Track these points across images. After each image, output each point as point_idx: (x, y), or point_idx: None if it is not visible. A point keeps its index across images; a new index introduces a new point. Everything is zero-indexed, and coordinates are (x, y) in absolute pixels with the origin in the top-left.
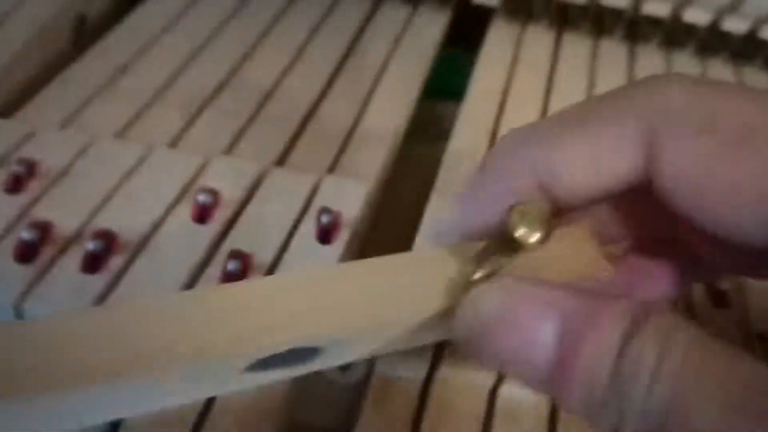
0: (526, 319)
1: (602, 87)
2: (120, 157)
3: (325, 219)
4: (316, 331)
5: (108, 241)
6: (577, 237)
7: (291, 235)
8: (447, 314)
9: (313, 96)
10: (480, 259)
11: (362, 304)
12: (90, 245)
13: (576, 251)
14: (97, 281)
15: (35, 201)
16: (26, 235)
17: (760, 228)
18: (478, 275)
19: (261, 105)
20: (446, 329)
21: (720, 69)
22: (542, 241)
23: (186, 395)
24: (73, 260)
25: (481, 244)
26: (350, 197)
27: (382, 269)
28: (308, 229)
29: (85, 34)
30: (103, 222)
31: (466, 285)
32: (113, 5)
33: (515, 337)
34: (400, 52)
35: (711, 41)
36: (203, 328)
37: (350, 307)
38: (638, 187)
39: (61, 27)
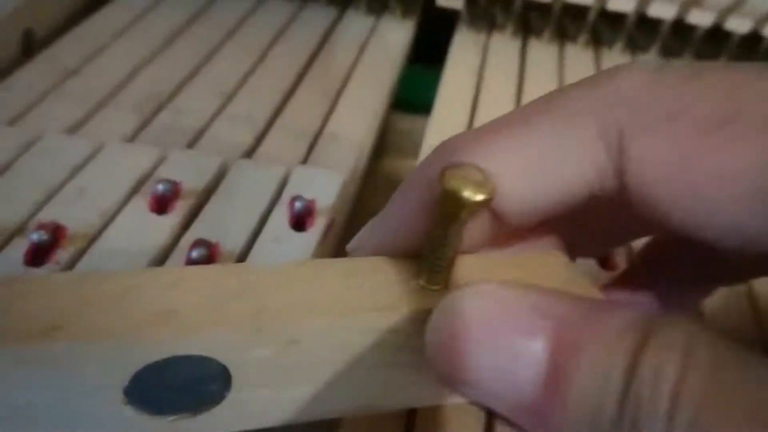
0: (511, 328)
1: None
2: (69, 152)
3: (298, 205)
4: (215, 328)
5: (54, 233)
6: (550, 261)
7: (263, 223)
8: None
9: (278, 98)
10: (426, 262)
11: (288, 304)
12: (34, 236)
13: (551, 276)
14: (42, 274)
15: None
16: None
17: (754, 224)
18: (421, 281)
19: (223, 105)
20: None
21: None
22: (490, 200)
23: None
24: (15, 253)
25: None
26: (325, 186)
27: (316, 270)
28: (280, 216)
29: (32, 49)
30: (50, 215)
31: (412, 291)
32: (62, 20)
33: (496, 351)
34: (366, 60)
35: (674, 42)
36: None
37: (270, 306)
38: (604, 194)
39: (7, 39)
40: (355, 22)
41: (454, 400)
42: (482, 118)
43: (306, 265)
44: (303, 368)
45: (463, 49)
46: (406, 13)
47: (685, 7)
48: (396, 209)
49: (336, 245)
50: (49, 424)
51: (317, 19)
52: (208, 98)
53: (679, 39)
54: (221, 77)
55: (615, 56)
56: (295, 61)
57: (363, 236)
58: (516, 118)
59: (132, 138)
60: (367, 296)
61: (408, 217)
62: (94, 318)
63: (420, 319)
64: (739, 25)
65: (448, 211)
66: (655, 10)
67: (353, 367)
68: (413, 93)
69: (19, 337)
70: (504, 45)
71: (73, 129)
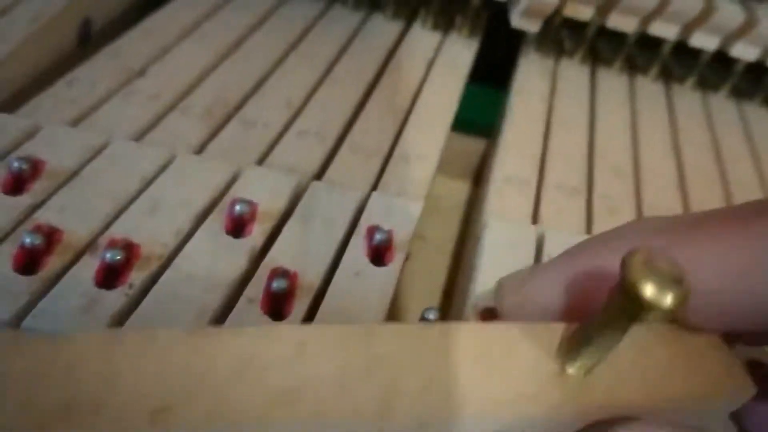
0: None
1: (644, 120)
2: (139, 161)
3: (378, 237)
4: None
5: (128, 252)
6: (706, 344)
7: (340, 253)
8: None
9: (347, 113)
10: (571, 344)
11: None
12: (107, 255)
13: (707, 361)
14: (114, 297)
15: (40, 204)
16: (30, 241)
17: None
18: (571, 369)
19: (292, 118)
20: None
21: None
22: (677, 307)
23: None
24: (85, 272)
25: (572, 327)
26: (402, 216)
27: (447, 340)
28: (358, 248)
29: (90, 39)
30: (122, 231)
31: (554, 380)
32: (121, 12)
33: None
34: (433, 78)
35: (744, 83)
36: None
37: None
38: None
39: (64, 27)
40: (422, 38)
41: None
42: (556, 145)
43: (435, 332)
44: None
45: (530, 73)
46: (472, 31)
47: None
48: (548, 283)
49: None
50: None
51: (384, 31)
52: (277, 110)
53: (753, 80)
54: (288, 87)
55: (686, 92)
56: (363, 76)
57: (504, 295)
58: (723, 218)
59: (201, 148)
60: (506, 384)
61: (561, 297)
62: (208, 398)
63: (562, 414)
64: None
65: (624, 305)
66: (737, 51)
67: None
68: (469, 113)
69: (123, 421)
70: (573, 72)
71: (140, 135)
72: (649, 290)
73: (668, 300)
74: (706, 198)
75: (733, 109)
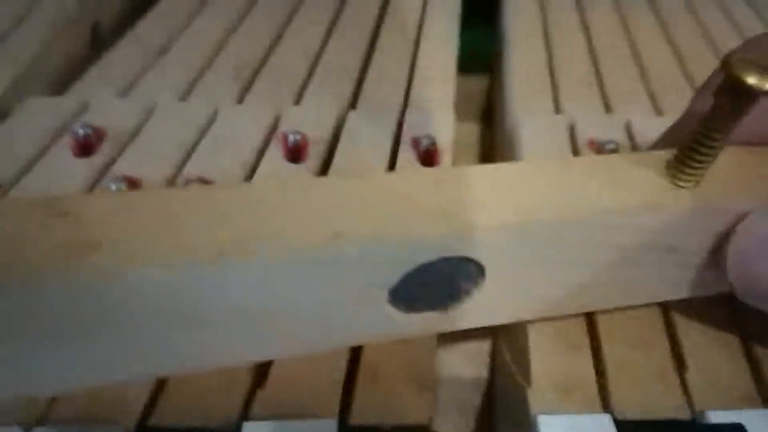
0: None
1: (634, 24)
2: (190, 114)
3: (425, 143)
4: (481, 223)
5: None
6: None
7: (392, 165)
8: (646, 210)
9: (360, 54)
10: (679, 160)
11: (551, 195)
12: None
13: None
14: None
15: (112, 161)
16: (115, 188)
17: None
18: (681, 183)
19: (313, 66)
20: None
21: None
22: None
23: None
24: None
25: (678, 148)
26: (438, 124)
27: (573, 168)
28: (408, 157)
29: (100, 42)
30: (194, 171)
31: (668, 189)
32: (125, 13)
33: None
34: (430, 13)
35: None
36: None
37: (514, 203)
38: None
39: (78, 31)
40: None
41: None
42: (560, 50)
43: (556, 162)
44: (557, 266)
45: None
46: None
47: None
48: (690, 110)
49: None
50: (305, 322)
51: None
52: (299, 59)
53: None
54: (302, 41)
55: None
56: (366, 22)
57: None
58: None
59: (240, 101)
60: (622, 194)
61: (695, 117)
62: (373, 220)
63: (679, 218)
64: None
65: (727, 100)
66: None
67: (606, 265)
68: (465, 53)
69: (306, 241)
70: None
71: (182, 98)
72: (751, 78)
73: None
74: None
75: (714, 5)
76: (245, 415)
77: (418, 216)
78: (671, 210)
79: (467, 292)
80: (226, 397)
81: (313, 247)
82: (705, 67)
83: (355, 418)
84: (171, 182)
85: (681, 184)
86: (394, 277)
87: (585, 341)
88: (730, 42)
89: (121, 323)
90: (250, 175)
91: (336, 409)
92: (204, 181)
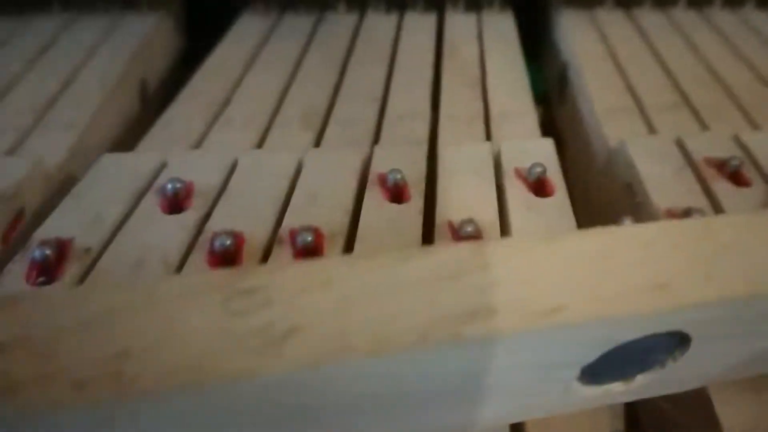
0: None
1: (702, 45)
2: (273, 165)
3: (535, 174)
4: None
5: (315, 235)
6: None
7: (501, 199)
8: None
9: (429, 93)
10: None
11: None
12: (299, 240)
13: None
14: None
15: (206, 217)
16: (219, 243)
17: None
18: None
19: (381, 108)
20: None
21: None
22: None
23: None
24: (284, 259)
25: None
26: (543, 151)
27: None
28: (516, 187)
29: (148, 98)
30: (296, 221)
31: None
32: (170, 70)
33: None
34: (489, 48)
35: None
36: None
37: (731, 274)
38: None
39: (128, 89)
40: (461, 21)
41: None
42: (634, 77)
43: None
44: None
45: (577, 27)
46: (502, 7)
47: None
48: None
49: None
50: (494, 398)
51: (420, 23)
52: (364, 104)
53: None
54: (365, 86)
55: (716, 13)
56: (425, 62)
57: None
58: None
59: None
60: None
61: None
62: (588, 292)
63: None
64: None
65: None
66: None
67: None
68: None
69: (522, 322)
70: (611, 17)
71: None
72: None
73: None
74: None
75: (765, 18)
76: None
77: (632, 288)
78: None
79: (661, 364)
80: None
81: (528, 327)
82: None
83: None
84: (274, 234)
85: None
86: (593, 356)
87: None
88: None
89: (322, 416)
90: (354, 222)
91: None
92: (311, 229)
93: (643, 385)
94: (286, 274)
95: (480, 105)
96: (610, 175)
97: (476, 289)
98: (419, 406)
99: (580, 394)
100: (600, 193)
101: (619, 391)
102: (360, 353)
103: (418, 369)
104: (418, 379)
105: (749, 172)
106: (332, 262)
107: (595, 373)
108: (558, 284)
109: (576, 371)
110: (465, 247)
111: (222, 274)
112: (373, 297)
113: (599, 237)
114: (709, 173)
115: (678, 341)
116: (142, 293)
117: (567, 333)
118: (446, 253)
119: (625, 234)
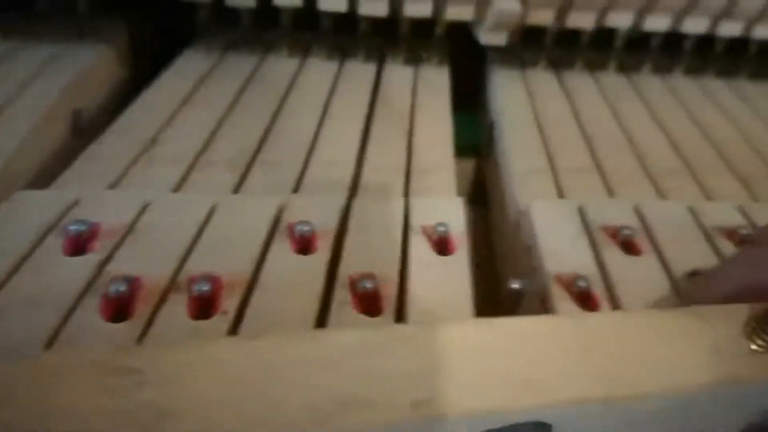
0: None
1: (623, 108)
2: (188, 207)
3: (438, 232)
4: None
5: (214, 283)
6: None
7: (405, 252)
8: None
9: (357, 141)
10: (756, 324)
11: (609, 370)
12: (195, 289)
13: None
14: (215, 325)
15: (107, 259)
16: (115, 290)
17: None
18: (755, 346)
19: (309, 152)
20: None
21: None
22: None
23: None
24: (178, 308)
25: (758, 307)
26: (449, 211)
27: (652, 326)
28: (420, 244)
29: (81, 129)
30: (198, 267)
31: (740, 356)
32: (104, 102)
33: None
34: (421, 101)
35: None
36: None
37: (595, 373)
38: None
39: (59, 120)
40: (399, 72)
41: None
42: (555, 138)
43: (626, 317)
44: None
45: (507, 86)
46: (440, 60)
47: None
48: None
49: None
50: None
51: (362, 71)
52: (292, 150)
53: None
54: (296, 131)
55: (645, 79)
56: (358, 111)
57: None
58: None
59: (236, 192)
60: (706, 363)
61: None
62: (455, 384)
63: (752, 387)
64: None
65: None
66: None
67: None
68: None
69: (390, 412)
70: (539, 75)
71: (175, 190)
72: None
73: None
74: (705, 162)
75: (693, 86)
76: None
77: (500, 384)
78: (755, 380)
79: None
80: None
81: (395, 420)
82: (696, 148)
83: None
84: (173, 281)
85: (754, 346)
86: None
87: None
88: (716, 123)
89: None
90: (258, 270)
91: None
92: (210, 278)
93: None
94: (166, 354)
95: (403, 158)
96: (517, 235)
97: (353, 377)
98: None
99: None
100: (511, 252)
101: None
102: None
103: None
104: None
105: (642, 242)
106: (211, 344)
107: None
108: (427, 376)
109: None
110: (351, 333)
111: (101, 351)
112: (249, 384)
113: (475, 328)
114: (604, 241)
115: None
116: (21, 368)
117: (432, 425)
118: (330, 338)
119: (499, 326)
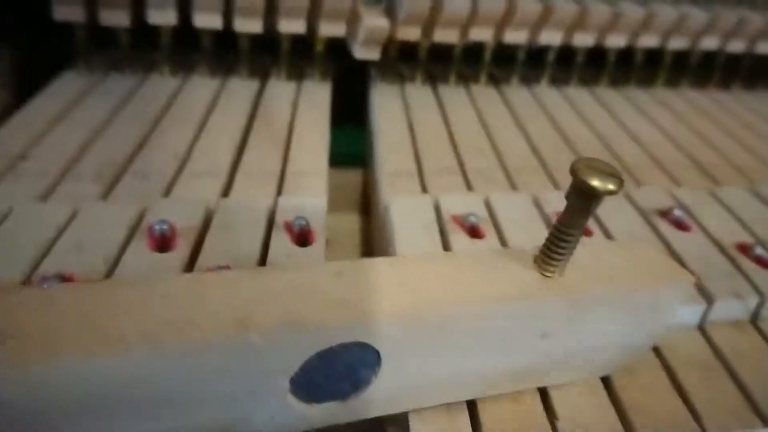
0: None
1: (489, 115)
2: (49, 215)
3: (298, 225)
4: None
5: (64, 281)
6: (648, 249)
7: (266, 245)
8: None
9: (231, 155)
10: (541, 256)
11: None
12: (47, 286)
13: (651, 262)
14: None
15: None
16: None
17: None
18: (548, 274)
19: (180, 164)
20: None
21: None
22: (618, 191)
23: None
24: None
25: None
26: (311, 209)
27: (456, 263)
28: (281, 237)
29: None
30: (52, 269)
31: (530, 281)
32: None
33: None
34: (300, 114)
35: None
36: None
37: (406, 296)
38: None
39: None
40: (281, 88)
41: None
42: (424, 142)
43: (442, 255)
44: (446, 353)
45: (384, 98)
46: (323, 75)
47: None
48: None
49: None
50: (209, 413)
51: (244, 88)
52: (165, 161)
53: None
54: (169, 143)
55: (513, 89)
56: (236, 124)
57: None
58: None
59: (103, 200)
60: (499, 285)
61: None
62: (277, 309)
63: (546, 305)
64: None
65: (577, 200)
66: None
67: (489, 352)
68: (341, 149)
69: (213, 330)
70: (417, 90)
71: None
72: (594, 181)
73: (611, 186)
74: (559, 160)
75: (556, 94)
76: None
77: (319, 305)
78: (540, 297)
79: (367, 381)
80: None
81: (220, 334)
82: (552, 148)
83: None
84: (27, 281)
85: (547, 274)
86: (295, 365)
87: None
88: (575, 126)
89: (29, 417)
90: (112, 270)
91: None
92: (63, 278)
93: (359, 407)
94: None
95: (278, 164)
96: (383, 226)
97: (183, 305)
98: (138, 411)
99: (301, 412)
100: (380, 248)
101: (338, 410)
102: (69, 357)
103: (122, 377)
104: (125, 389)
105: (486, 228)
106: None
107: (307, 387)
108: (248, 305)
109: (286, 383)
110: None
111: None
112: (85, 314)
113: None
114: (452, 228)
115: (375, 358)
116: None
117: (256, 342)
118: (155, 283)
119: (324, 268)
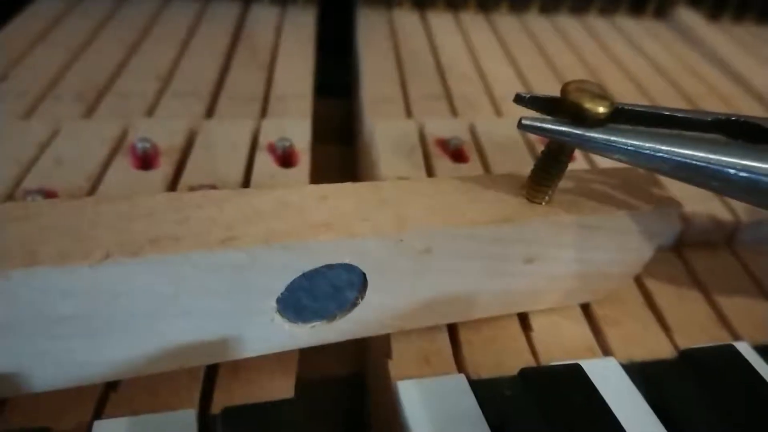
0: None
1: (478, 45)
2: (28, 132)
3: (281, 147)
4: (365, 233)
5: (46, 197)
6: (636, 175)
7: (249, 166)
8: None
9: (213, 77)
10: (535, 178)
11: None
12: (30, 199)
13: (638, 186)
14: None
15: None
16: None
17: None
18: (536, 200)
19: (162, 85)
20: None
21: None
22: (608, 114)
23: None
24: None
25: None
26: (295, 130)
27: (442, 186)
28: (265, 159)
29: None
30: (34, 185)
31: (522, 205)
32: None
33: None
34: (285, 39)
35: None
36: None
37: (389, 218)
38: None
39: None
40: (265, 13)
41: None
42: (410, 69)
43: (427, 180)
44: (432, 274)
45: (371, 23)
46: (307, 2)
47: None
48: None
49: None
50: (194, 331)
51: (227, 12)
52: (148, 81)
53: None
54: (152, 64)
55: (502, 17)
56: (219, 47)
57: None
58: None
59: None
60: (486, 208)
61: None
62: (263, 228)
63: (533, 230)
64: None
65: (575, 112)
66: None
67: (474, 274)
68: (325, 79)
69: (197, 245)
70: (405, 16)
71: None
72: (586, 103)
73: (601, 108)
74: (546, 88)
75: (545, 21)
76: (97, 416)
77: (304, 225)
78: (526, 222)
79: (353, 302)
80: (76, 400)
81: (204, 250)
82: (540, 76)
83: (217, 408)
84: (10, 197)
85: (534, 200)
86: (281, 286)
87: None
88: (562, 53)
89: (8, 328)
90: (95, 187)
91: (196, 401)
92: (46, 194)
93: (345, 327)
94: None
95: (262, 88)
96: (368, 152)
97: (167, 223)
98: (108, 331)
99: (289, 332)
100: (364, 173)
101: (325, 330)
102: (48, 264)
103: (102, 289)
104: (105, 301)
105: (470, 151)
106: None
107: (294, 307)
108: (233, 223)
109: (272, 302)
110: (169, 194)
111: None
112: (66, 227)
113: (289, 191)
114: (436, 152)
115: (360, 278)
116: None
117: (241, 259)
118: (143, 200)
119: (309, 190)
